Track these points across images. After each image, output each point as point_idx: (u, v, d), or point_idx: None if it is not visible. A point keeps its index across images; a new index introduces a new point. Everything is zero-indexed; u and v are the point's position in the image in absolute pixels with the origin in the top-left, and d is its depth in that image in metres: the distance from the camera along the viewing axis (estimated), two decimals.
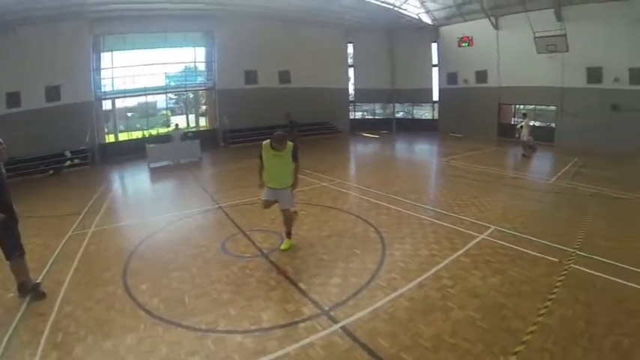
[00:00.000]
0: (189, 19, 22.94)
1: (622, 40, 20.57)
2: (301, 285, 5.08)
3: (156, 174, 15.54)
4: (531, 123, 19.06)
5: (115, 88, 22.53)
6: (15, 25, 17.57)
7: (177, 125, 20.21)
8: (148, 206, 10.53)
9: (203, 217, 8.62)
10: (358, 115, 33.72)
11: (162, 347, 3.99)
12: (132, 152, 20.33)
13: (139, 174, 16.10)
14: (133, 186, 14.58)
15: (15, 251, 5.09)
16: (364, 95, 32.31)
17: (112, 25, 21.05)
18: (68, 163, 18.62)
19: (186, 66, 25.07)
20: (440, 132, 29.97)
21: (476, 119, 27.75)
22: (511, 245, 6.50)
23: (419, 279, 5.19)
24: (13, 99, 17.82)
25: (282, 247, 6.23)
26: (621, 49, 20.69)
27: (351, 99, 32.20)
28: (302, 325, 4.32)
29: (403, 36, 31.32)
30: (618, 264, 5.89)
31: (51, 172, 17.57)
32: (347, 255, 5.99)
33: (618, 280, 5.31)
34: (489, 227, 7.41)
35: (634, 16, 19.87)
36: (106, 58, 21.90)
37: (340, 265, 5.60)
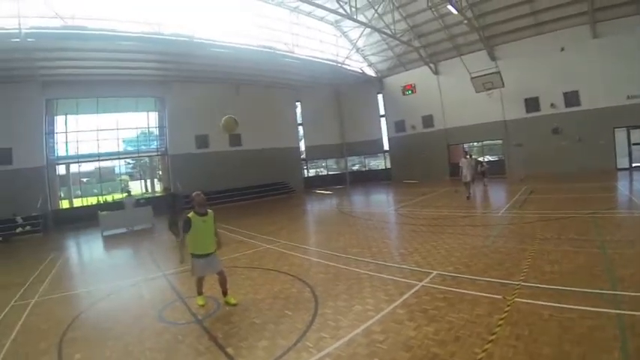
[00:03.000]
0: (140, 85, 23.46)
1: (552, 68, 22.75)
2: (229, 350, 4.96)
3: (108, 242, 15.40)
4: (480, 160, 19.16)
5: (69, 153, 22.27)
6: None
7: (129, 192, 19.88)
8: (95, 275, 10.24)
9: (147, 286, 8.40)
10: (313, 172, 34.14)
11: None
12: (86, 219, 19.78)
13: (91, 242, 15.91)
14: (83, 254, 14.19)
15: None
16: (316, 152, 32.99)
17: (63, 89, 21.28)
18: (19, 229, 18.04)
19: (142, 131, 25.22)
20: (394, 180, 30.58)
21: (427, 163, 28.72)
22: (451, 289, 6.25)
23: (348, 336, 4.91)
24: None
25: (234, 301, 6.52)
26: (553, 76, 22.79)
27: (303, 157, 32.64)
28: None
29: (349, 90, 32.70)
30: (565, 287, 5.69)
31: (0, 238, 17.04)
32: (278, 317, 5.80)
33: (565, 306, 5.06)
34: (431, 273, 7.16)
35: (558, 45, 22.43)
36: (59, 121, 21.90)
37: (270, 328, 5.45)
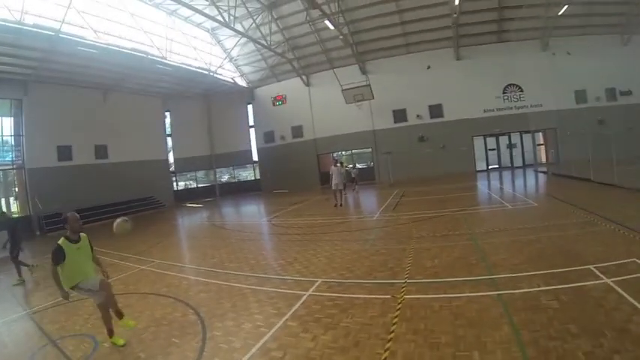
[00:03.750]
0: None
1: (419, 84, 26.16)
2: None
3: None
4: (349, 166, 20.12)
5: None
6: None
7: None
8: None
9: (8, 330, 6.92)
10: (182, 184, 33.20)
11: None
12: None
13: None
14: None
15: None
16: (185, 164, 32.10)
17: None
18: None
19: None
20: (264, 191, 31.21)
21: (297, 173, 29.79)
22: (339, 295, 6.26)
23: (245, 358, 4.60)
24: None
25: (122, 341, 5.60)
26: (419, 91, 26.18)
27: (172, 169, 31.43)
28: None
29: (219, 100, 32.50)
30: (448, 279, 6.19)
31: None
32: (165, 347, 5.27)
33: (452, 295, 5.50)
34: (316, 281, 7.09)
35: (425, 64, 26.08)
36: None
37: None
